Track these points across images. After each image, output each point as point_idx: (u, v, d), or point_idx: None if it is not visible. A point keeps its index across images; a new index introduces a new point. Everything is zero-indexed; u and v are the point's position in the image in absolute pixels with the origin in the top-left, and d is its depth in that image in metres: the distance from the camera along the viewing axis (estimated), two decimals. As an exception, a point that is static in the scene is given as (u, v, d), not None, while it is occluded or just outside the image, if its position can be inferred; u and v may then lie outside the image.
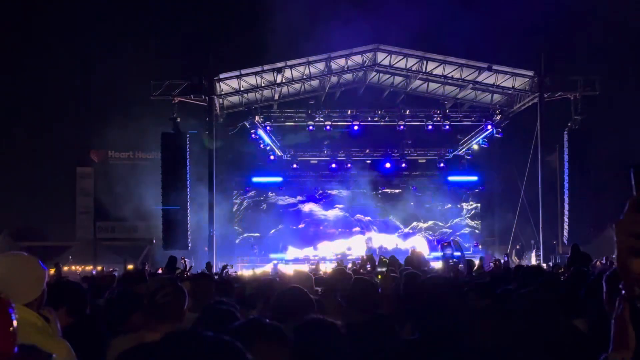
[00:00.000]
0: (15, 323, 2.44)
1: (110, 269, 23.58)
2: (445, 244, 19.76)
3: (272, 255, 33.29)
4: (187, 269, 18.27)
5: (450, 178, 36.34)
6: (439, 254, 21.15)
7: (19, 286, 2.58)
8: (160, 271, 17.01)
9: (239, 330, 2.59)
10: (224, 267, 18.38)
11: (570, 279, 7.23)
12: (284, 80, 29.77)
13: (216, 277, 15.13)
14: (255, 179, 35.85)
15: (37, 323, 3.06)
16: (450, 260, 12.53)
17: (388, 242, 34.21)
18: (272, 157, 34.74)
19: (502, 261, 21.54)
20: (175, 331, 1.58)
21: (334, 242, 34.75)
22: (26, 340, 2.42)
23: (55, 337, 3.45)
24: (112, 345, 4.17)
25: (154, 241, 25.10)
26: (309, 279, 7.39)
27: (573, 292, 5.46)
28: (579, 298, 5.17)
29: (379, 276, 6.29)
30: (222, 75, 29.20)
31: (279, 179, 35.75)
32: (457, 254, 18.51)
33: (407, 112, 32.40)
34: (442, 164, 36.24)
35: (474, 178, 36.76)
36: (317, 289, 7.25)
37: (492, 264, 15.81)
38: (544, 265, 24.38)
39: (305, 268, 19.82)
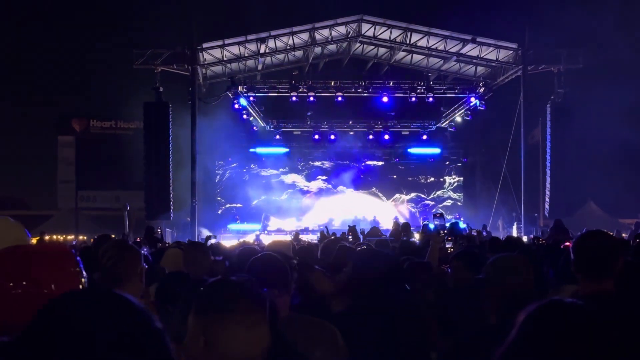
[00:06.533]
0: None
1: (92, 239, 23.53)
2: (438, 214, 19.53)
3: (254, 226, 33.21)
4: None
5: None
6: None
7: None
8: (138, 240, 17.02)
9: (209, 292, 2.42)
10: (208, 238, 18.30)
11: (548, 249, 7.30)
12: (267, 51, 29.58)
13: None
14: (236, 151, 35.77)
15: None
16: (441, 232, 12.28)
17: (372, 213, 34.23)
18: (254, 128, 34.67)
19: (483, 233, 21.61)
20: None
21: (317, 213, 34.76)
22: None
23: None
24: None
25: (128, 208, 24.93)
26: (287, 248, 7.40)
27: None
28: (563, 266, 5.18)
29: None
30: (205, 45, 28.97)
31: (260, 150, 35.84)
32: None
33: (391, 84, 32.28)
34: (425, 137, 36.28)
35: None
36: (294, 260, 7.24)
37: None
38: (525, 237, 24.54)
39: (287, 238, 19.82)
